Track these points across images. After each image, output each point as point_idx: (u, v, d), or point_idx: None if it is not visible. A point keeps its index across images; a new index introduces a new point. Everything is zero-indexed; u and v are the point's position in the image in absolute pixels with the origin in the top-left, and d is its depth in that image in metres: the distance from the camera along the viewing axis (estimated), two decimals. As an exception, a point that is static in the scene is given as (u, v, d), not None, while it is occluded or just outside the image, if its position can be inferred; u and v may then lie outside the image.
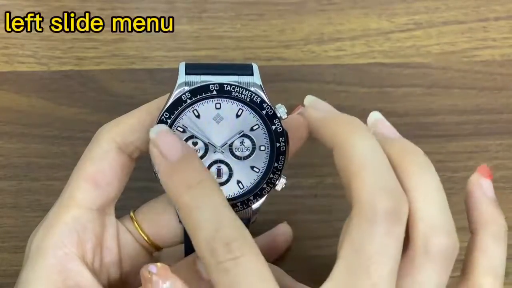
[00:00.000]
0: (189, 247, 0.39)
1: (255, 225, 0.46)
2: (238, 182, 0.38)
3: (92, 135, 0.39)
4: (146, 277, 0.34)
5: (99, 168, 0.38)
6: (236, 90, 0.37)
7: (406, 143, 0.36)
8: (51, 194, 0.51)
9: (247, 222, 0.39)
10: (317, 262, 0.50)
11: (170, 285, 0.34)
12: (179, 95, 0.36)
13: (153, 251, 0.42)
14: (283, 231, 0.49)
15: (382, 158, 0.33)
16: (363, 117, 0.54)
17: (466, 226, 0.52)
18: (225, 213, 0.33)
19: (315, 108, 0.37)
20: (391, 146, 0.35)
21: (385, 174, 0.33)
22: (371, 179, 0.32)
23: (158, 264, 0.34)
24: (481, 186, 0.37)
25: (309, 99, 0.38)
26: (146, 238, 0.40)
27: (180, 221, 0.39)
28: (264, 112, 0.37)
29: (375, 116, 0.39)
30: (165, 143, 0.35)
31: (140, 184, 0.46)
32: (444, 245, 0.33)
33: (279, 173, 0.38)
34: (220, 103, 0.37)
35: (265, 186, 0.38)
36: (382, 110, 0.55)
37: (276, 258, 0.49)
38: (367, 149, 0.33)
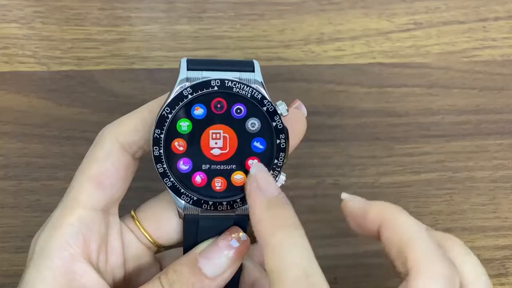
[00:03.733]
0: (188, 245, 0.39)
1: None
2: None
3: (92, 135, 0.39)
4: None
5: (103, 169, 0.38)
6: (237, 86, 0.37)
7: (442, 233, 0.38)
8: (51, 194, 0.51)
9: (246, 218, 0.39)
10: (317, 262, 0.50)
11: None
12: (181, 90, 0.37)
13: (155, 250, 0.42)
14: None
15: (427, 231, 0.35)
16: (363, 117, 0.55)
17: (467, 226, 0.52)
18: (314, 261, 0.34)
19: (353, 200, 0.38)
20: (430, 231, 0.37)
21: (436, 245, 0.35)
22: (428, 246, 0.34)
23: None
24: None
25: (345, 195, 0.39)
26: (148, 236, 0.40)
27: (179, 217, 0.39)
28: (264, 108, 0.37)
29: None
30: (264, 179, 0.36)
31: (140, 184, 0.46)
32: None
33: (279, 170, 0.38)
34: None
35: None
36: (382, 110, 0.55)
37: None
38: (417, 224, 0.35)
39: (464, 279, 0.35)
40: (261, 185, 0.36)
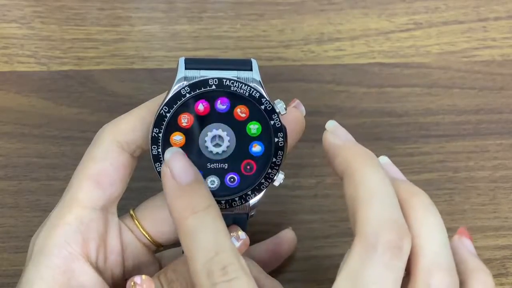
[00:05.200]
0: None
1: (256, 226, 0.47)
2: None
3: (92, 135, 0.39)
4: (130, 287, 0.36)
5: (102, 168, 0.38)
6: (235, 85, 0.37)
7: (412, 185, 0.37)
8: (51, 194, 0.51)
9: (245, 217, 0.39)
10: (317, 262, 0.50)
11: None
12: (179, 89, 0.37)
13: (154, 249, 0.42)
14: (287, 237, 0.49)
15: (391, 192, 0.34)
16: (363, 117, 0.55)
17: (467, 226, 0.52)
18: (225, 240, 0.34)
19: (334, 134, 0.38)
20: (398, 185, 0.36)
21: (392, 207, 0.34)
22: (377, 210, 0.33)
23: (143, 276, 0.36)
24: (463, 243, 0.37)
25: (330, 124, 0.38)
26: (147, 235, 0.40)
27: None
28: (262, 107, 0.37)
29: (383, 161, 0.39)
30: (178, 166, 0.36)
31: (140, 184, 0.46)
32: (446, 282, 0.33)
33: (277, 168, 0.38)
34: None
35: (263, 181, 0.38)
36: (382, 110, 0.55)
37: (280, 263, 0.49)
38: (377, 181, 0.34)
39: (417, 245, 0.34)
40: (174, 171, 0.36)
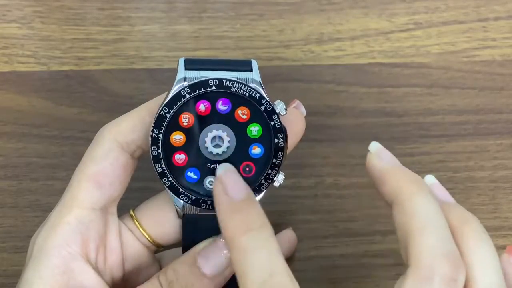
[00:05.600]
0: (187, 244, 0.39)
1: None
2: None
3: (92, 135, 0.39)
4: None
5: (101, 168, 0.38)
6: (235, 86, 0.37)
7: (463, 210, 0.36)
8: (51, 194, 0.51)
9: None
10: (317, 262, 0.50)
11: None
12: (179, 90, 0.37)
13: (154, 249, 0.42)
14: (287, 237, 0.49)
15: (444, 223, 0.34)
16: (363, 117, 0.55)
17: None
18: (280, 261, 0.33)
19: (379, 157, 0.37)
20: (449, 211, 0.35)
21: (446, 239, 0.33)
22: (432, 241, 0.33)
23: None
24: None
25: (374, 147, 0.38)
26: (146, 235, 0.40)
27: (178, 217, 0.39)
28: (263, 108, 0.37)
29: (430, 181, 0.39)
30: (231, 181, 0.35)
31: (140, 184, 0.46)
32: None
33: (277, 169, 0.38)
34: None
35: (263, 182, 0.38)
36: (382, 110, 0.55)
37: None
38: (430, 211, 0.34)
39: (471, 276, 0.33)
40: (227, 187, 0.35)
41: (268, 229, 0.34)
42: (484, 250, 0.34)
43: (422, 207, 0.34)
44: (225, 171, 0.36)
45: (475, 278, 0.33)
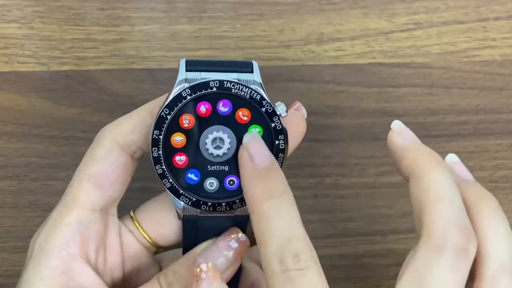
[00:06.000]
0: (187, 246, 0.39)
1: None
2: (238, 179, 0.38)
3: (92, 135, 0.39)
4: (195, 274, 0.35)
5: (102, 169, 0.38)
6: (236, 87, 0.37)
7: (481, 187, 0.37)
8: (51, 194, 0.51)
9: (245, 219, 0.39)
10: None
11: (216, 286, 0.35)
12: (179, 91, 0.37)
13: (154, 251, 0.42)
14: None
15: (458, 196, 0.35)
16: (363, 117, 0.55)
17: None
18: (299, 227, 0.34)
19: (401, 135, 0.38)
20: (467, 188, 0.36)
21: (459, 211, 0.34)
22: (445, 213, 0.33)
23: (210, 264, 0.36)
24: None
25: (396, 125, 0.39)
26: (146, 237, 0.41)
27: (179, 218, 0.39)
28: (263, 109, 0.37)
29: (452, 158, 0.40)
30: (256, 149, 0.36)
31: (140, 184, 0.46)
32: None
33: None
34: None
35: None
36: (382, 110, 0.55)
37: None
38: (445, 185, 0.35)
39: (483, 250, 0.34)
40: (253, 154, 0.36)
41: (289, 197, 0.35)
42: (498, 227, 0.35)
43: (438, 181, 0.35)
44: (251, 138, 0.37)
45: (488, 252, 0.34)
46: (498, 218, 0.35)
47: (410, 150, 0.37)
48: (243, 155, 0.36)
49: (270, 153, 0.37)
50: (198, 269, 0.35)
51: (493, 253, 0.34)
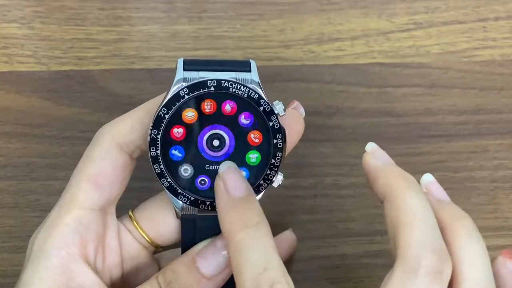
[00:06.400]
0: (186, 245, 0.39)
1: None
2: None
3: (92, 135, 0.39)
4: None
5: (100, 169, 0.38)
6: (234, 87, 0.37)
7: (456, 208, 0.37)
8: (51, 194, 0.51)
9: None
10: (316, 262, 0.50)
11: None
12: (177, 90, 0.37)
13: (153, 250, 0.42)
14: (287, 239, 0.49)
15: (432, 217, 0.35)
16: (363, 117, 0.55)
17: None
18: (275, 257, 0.34)
19: (374, 156, 0.38)
20: (442, 208, 0.36)
21: (433, 233, 0.34)
22: (419, 234, 0.33)
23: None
24: (507, 268, 0.37)
25: (369, 146, 0.39)
26: (145, 236, 0.40)
27: (177, 217, 0.39)
28: (261, 108, 0.37)
29: (427, 179, 0.39)
30: (231, 180, 0.36)
31: (140, 184, 0.46)
32: None
33: (276, 169, 0.38)
34: None
35: (262, 182, 0.38)
36: (382, 110, 0.55)
37: None
38: (419, 205, 0.35)
39: (459, 271, 0.34)
40: (228, 185, 0.36)
41: (265, 227, 0.35)
42: (473, 247, 0.35)
43: (411, 202, 0.35)
44: (227, 168, 0.37)
45: (463, 272, 0.34)
46: (473, 238, 0.35)
47: (383, 171, 0.37)
48: (218, 185, 0.37)
49: (247, 183, 0.37)
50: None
51: (468, 274, 0.34)
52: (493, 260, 0.37)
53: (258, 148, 0.38)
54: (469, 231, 0.35)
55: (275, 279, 0.33)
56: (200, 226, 0.39)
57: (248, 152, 0.38)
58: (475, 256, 0.34)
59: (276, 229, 0.49)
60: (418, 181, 0.38)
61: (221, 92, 0.37)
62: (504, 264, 0.37)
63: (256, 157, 0.38)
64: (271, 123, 0.37)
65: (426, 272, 0.32)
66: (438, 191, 0.39)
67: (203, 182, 0.38)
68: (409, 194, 0.35)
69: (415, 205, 0.34)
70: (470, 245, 0.35)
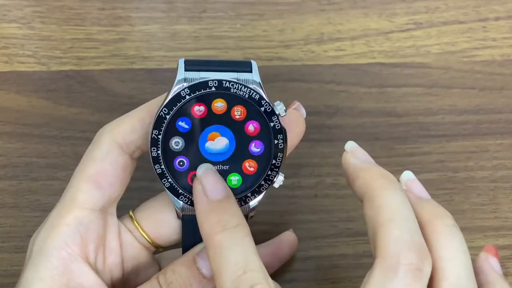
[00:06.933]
0: (187, 245, 0.39)
1: (256, 226, 0.46)
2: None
3: (92, 135, 0.39)
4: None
5: (101, 169, 0.38)
6: (235, 87, 0.37)
7: (437, 205, 0.37)
8: (51, 194, 0.51)
9: (245, 218, 0.39)
10: (317, 262, 0.50)
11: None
12: (178, 91, 0.36)
13: (154, 250, 0.42)
14: (288, 239, 0.49)
15: (411, 215, 0.34)
16: (363, 117, 0.55)
17: (467, 226, 0.52)
18: (254, 258, 0.34)
19: (354, 155, 0.38)
20: (422, 206, 0.36)
21: (412, 230, 0.34)
22: (398, 232, 0.33)
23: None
24: (490, 263, 0.37)
25: (349, 145, 0.39)
26: (146, 236, 0.40)
27: (178, 218, 0.39)
28: (262, 109, 0.37)
29: (407, 176, 0.39)
30: (209, 182, 0.37)
31: (140, 184, 0.46)
32: None
33: (277, 170, 0.38)
34: None
35: (263, 183, 0.38)
36: (382, 110, 0.55)
37: (281, 265, 0.49)
38: (397, 204, 0.34)
39: (439, 268, 0.34)
40: (206, 187, 0.36)
41: (244, 228, 0.35)
42: (454, 245, 0.34)
43: (390, 200, 0.34)
44: (205, 170, 0.37)
45: (443, 269, 0.34)
46: (453, 235, 0.35)
47: (362, 170, 0.37)
48: (196, 188, 0.37)
49: (225, 185, 0.37)
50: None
51: (449, 271, 0.34)
52: (478, 257, 0.37)
53: (256, 158, 0.38)
54: (449, 228, 0.35)
55: (254, 280, 0.33)
56: None
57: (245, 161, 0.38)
58: (456, 254, 0.34)
59: (276, 229, 0.49)
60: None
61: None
62: (487, 259, 0.37)
63: (253, 165, 0.38)
64: (272, 124, 0.37)
65: (406, 270, 0.32)
66: (418, 189, 0.38)
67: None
68: (388, 193, 0.35)
69: (393, 203, 0.34)
70: (450, 243, 0.34)
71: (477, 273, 0.36)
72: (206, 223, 0.35)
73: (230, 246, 0.34)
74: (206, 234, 0.35)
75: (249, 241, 0.35)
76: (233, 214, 0.35)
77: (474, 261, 0.35)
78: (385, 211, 0.34)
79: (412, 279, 0.32)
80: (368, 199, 0.35)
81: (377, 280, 0.32)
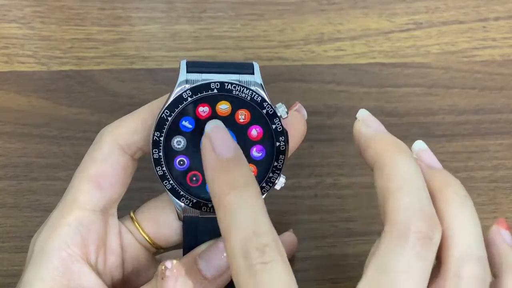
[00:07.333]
0: (188, 246, 0.39)
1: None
2: None
3: (92, 135, 0.39)
4: (160, 271, 0.34)
5: (102, 170, 0.38)
6: (237, 89, 0.37)
7: (448, 175, 0.36)
8: (51, 194, 0.51)
9: None
10: (317, 262, 0.50)
11: (181, 285, 0.34)
12: (180, 92, 0.36)
13: (154, 251, 0.42)
14: (288, 240, 0.49)
15: (422, 183, 0.34)
16: (363, 117, 0.54)
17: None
18: (265, 220, 0.33)
19: (366, 124, 0.37)
20: (434, 175, 0.35)
21: (422, 198, 0.33)
22: (408, 200, 0.33)
23: (174, 261, 0.34)
24: (502, 235, 0.37)
25: (361, 113, 0.38)
26: (147, 237, 0.41)
27: (179, 219, 0.39)
28: (264, 111, 0.37)
29: (419, 146, 0.38)
30: (219, 139, 0.35)
31: (140, 184, 0.46)
32: (477, 273, 0.33)
33: (278, 172, 0.38)
34: None
35: (264, 185, 0.38)
36: (382, 110, 0.55)
37: None
38: (408, 171, 0.34)
39: (449, 236, 0.33)
40: (215, 144, 0.35)
41: (254, 188, 0.34)
42: (464, 213, 0.34)
43: (400, 168, 0.34)
44: (214, 127, 0.36)
45: (453, 238, 0.33)
46: (463, 204, 0.34)
47: (374, 139, 0.36)
48: (205, 145, 0.35)
49: (235, 142, 0.35)
50: (163, 267, 0.34)
51: (458, 239, 0.33)
52: (490, 229, 0.37)
53: (256, 163, 0.38)
54: (460, 197, 0.35)
55: (264, 242, 0.32)
56: (202, 228, 0.39)
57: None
58: (466, 222, 0.34)
59: (276, 229, 0.49)
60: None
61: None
62: (499, 232, 0.37)
63: (260, 152, 0.38)
64: (274, 126, 0.37)
65: (415, 237, 0.32)
66: (430, 158, 0.38)
67: (194, 178, 0.38)
68: (398, 160, 0.34)
69: (404, 171, 0.34)
70: (461, 212, 0.34)
71: (488, 245, 0.36)
72: (216, 182, 0.34)
73: (240, 206, 0.33)
74: (215, 194, 0.34)
75: (259, 201, 0.33)
76: (244, 173, 0.34)
77: (485, 235, 0.35)
78: (396, 178, 0.34)
79: (422, 247, 0.32)
80: (378, 167, 0.35)
81: (386, 248, 0.32)
